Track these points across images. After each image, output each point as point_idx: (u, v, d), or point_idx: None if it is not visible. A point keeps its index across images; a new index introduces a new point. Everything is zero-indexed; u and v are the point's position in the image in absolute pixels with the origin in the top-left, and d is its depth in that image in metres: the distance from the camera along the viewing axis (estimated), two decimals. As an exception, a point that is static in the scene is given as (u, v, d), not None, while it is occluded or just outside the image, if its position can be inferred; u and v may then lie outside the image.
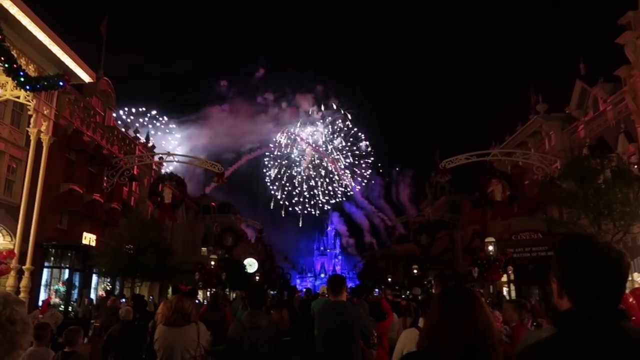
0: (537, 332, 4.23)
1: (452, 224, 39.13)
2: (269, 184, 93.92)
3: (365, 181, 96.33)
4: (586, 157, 17.39)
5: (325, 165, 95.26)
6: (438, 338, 1.75)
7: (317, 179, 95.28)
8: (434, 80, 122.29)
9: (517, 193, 20.64)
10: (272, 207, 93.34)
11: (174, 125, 57.50)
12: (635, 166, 17.65)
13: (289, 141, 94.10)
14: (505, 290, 25.66)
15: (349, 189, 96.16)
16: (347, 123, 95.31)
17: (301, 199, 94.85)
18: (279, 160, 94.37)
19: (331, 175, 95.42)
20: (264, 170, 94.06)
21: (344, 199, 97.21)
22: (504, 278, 24.06)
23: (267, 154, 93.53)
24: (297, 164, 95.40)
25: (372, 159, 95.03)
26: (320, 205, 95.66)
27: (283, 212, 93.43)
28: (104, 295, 19.31)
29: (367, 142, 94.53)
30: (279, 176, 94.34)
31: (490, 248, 19.06)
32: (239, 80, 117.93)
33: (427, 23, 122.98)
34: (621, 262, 1.40)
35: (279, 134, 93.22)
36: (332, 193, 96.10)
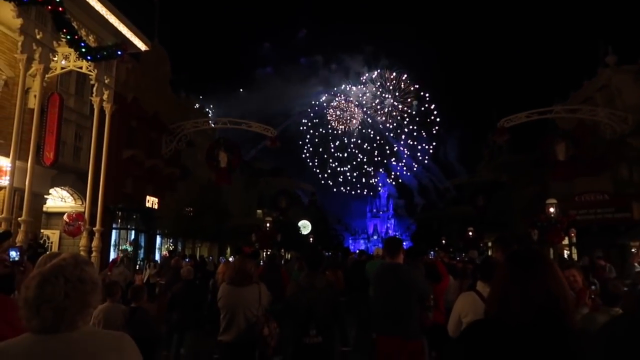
0: (593, 316, 3.98)
1: (510, 185, 37.86)
2: (314, 148, 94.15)
3: (415, 142, 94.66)
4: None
5: (373, 124, 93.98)
6: (508, 303, 1.67)
7: (365, 140, 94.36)
8: (490, 34, 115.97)
9: (581, 152, 19.57)
10: (325, 171, 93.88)
11: (227, 90, 58.37)
12: None
13: (339, 103, 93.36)
14: (566, 253, 24.78)
15: (396, 150, 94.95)
16: (398, 83, 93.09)
17: (350, 161, 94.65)
18: (328, 124, 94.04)
19: (378, 137, 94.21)
20: (311, 133, 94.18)
21: (393, 159, 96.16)
22: (566, 241, 23.19)
23: (313, 115, 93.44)
24: (347, 125, 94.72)
25: (422, 119, 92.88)
26: (368, 168, 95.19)
27: (330, 175, 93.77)
28: (168, 255, 20.32)
29: (417, 103, 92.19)
30: (329, 138, 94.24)
31: (552, 210, 18.33)
32: (282, 42, 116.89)
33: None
34: None
35: (325, 96, 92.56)
36: (379, 154, 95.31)
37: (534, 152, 27.82)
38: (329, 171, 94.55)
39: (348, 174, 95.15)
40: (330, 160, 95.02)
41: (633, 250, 17.67)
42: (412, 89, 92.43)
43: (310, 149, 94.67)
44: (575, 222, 19.46)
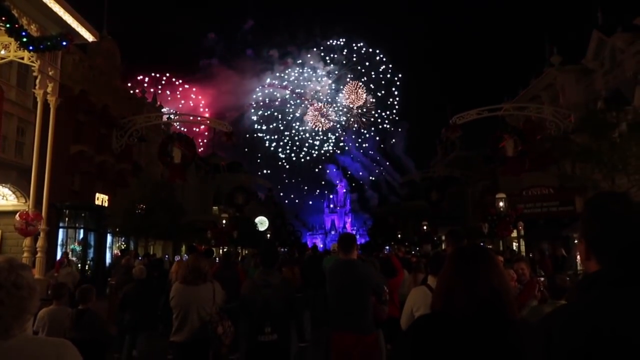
0: (539, 308, 4.17)
1: (462, 180, 39.01)
2: (270, 141, 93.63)
3: (365, 134, 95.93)
4: (601, 111, 16.99)
5: (324, 114, 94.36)
6: (452, 297, 1.72)
7: (316, 129, 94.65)
8: (443, 33, 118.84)
9: (528, 148, 20.35)
10: (280, 163, 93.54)
11: (177, 84, 57.09)
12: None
13: (292, 94, 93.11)
14: (515, 245, 25.78)
15: (343, 142, 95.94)
16: (350, 77, 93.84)
17: (299, 150, 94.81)
18: (278, 114, 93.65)
19: (325, 125, 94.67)
20: (266, 128, 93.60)
21: (338, 151, 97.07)
22: (514, 234, 24.12)
23: (267, 108, 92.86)
24: (297, 117, 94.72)
25: (377, 112, 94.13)
26: (316, 156, 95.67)
27: (286, 169, 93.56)
28: (119, 254, 19.71)
29: (370, 97, 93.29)
30: (281, 129, 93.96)
31: (501, 204, 19.00)
32: (228, 34, 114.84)
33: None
34: None
35: (270, 87, 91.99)
36: (327, 144, 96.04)
37: (485, 148, 28.81)
38: (286, 166, 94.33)
39: (304, 169, 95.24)
40: (286, 153, 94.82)
41: (576, 242, 18.61)
42: (362, 91, 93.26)
43: (266, 144, 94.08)
44: (523, 216, 20.26)
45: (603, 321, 1.22)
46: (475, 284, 1.70)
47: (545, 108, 22.39)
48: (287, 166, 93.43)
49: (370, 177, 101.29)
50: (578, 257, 12.62)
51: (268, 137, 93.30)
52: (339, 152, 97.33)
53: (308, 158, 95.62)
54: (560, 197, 21.34)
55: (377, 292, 4.92)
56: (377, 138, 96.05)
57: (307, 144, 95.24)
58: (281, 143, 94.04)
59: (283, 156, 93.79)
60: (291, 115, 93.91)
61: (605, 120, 15.50)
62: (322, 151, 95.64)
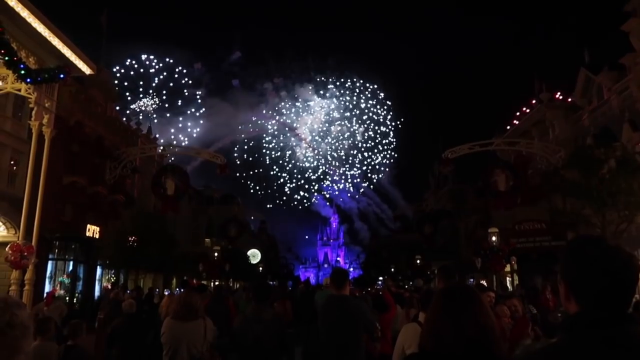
0: (533, 347, 4.17)
1: (455, 214, 39.11)
2: (264, 174, 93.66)
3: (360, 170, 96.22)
4: (590, 147, 17.28)
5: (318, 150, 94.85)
6: (440, 337, 1.75)
7: (314, 164, 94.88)
8: (436, 70, 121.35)
9: (519, 183, 20.57)
10: (274, 199, 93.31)
11: (170, 116, 57.55)
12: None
13: (284, 128, 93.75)
14: (508, 280, 25.68)
15: (335, 175, 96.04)
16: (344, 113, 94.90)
17: (293, 185, 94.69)
18: (274, 145, 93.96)
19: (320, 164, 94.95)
20: (261, 159, 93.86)
21: (327, 182, 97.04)
22: (507, 268, 24.06)
23: (263, 142, 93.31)
24: (291, 150, 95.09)
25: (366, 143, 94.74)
26: (306, 187, 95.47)
27: (279, 201, 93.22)
28: (109, 287, 19.42)
29: (363, 130, 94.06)
30: (279, 162, 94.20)
31: (494, 238, 19.06)
32: (216, 64, 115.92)
33: (430, 13, 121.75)
34: (632, 265, 1.37)
35: (272, 121, 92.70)
36: (320, 179, 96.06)
37: (477, 181, 29.04)
38: (280, 200, 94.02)
39: (295, 201, 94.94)
40: (280, 183, 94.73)
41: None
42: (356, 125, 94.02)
43: (261, 175, 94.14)
44: (515, 250, 20.26)
45: None
46: (462, 323, 1.73)
47: (536, 143, 22.76)
48: (279, 201, 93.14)
49: (358, 207, 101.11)
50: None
51: (265, 168, 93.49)
52: (327, 183, 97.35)
53: (301, 192, 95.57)
54: (552, 232, 21.41)
55: (369, 329, 4.89)
56: (363, 168, 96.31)
57: (297, 176, 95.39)
58: (271, 172, 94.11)
59: (275, 187, 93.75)
60: (281, 148, 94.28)
61: (594, 157, 15.75)
62: (312, 183, 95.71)
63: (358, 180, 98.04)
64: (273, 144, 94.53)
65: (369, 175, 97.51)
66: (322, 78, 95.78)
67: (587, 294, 1.37)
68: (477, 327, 1.72)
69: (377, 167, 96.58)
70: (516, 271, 25.03)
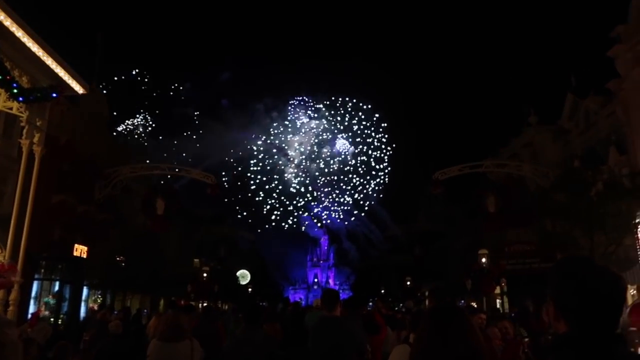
0: None
1: (446, 235, 39.19)
2: (252, 194, 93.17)
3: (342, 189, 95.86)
4: (579, 170, 17.51)
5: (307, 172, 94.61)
6: (430, 356, 1.76)
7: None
8: (427, 93, 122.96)
9: (509, 205, 20.70)
10: (263, 218, 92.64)
11: (161, 135, 57.52)
12: (627, 178, 17.79)
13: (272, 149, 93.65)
14: (498, 302, 25.65)
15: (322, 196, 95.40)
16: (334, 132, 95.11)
17: (281, 209, 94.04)
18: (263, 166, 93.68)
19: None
20: (250, 181, 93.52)
21: (315, 203, 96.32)
22: (497, 290, 24.04)
23: (252, 163, 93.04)
24: (280, 172, 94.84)
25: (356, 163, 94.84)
26: (294, 208, 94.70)
27: (269, 222, 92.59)
28: (95, 308, 19.10)
29: (352, 150, 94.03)
30: (267, 184, 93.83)
31: (484, 260, 19.09)
32: (205, 84, 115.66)
33: (422, 35, 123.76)
34: (618, 285, 1.40)
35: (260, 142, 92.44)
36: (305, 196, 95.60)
37: (468, 203, 29.22)
38: (268, 224, 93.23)
39: (284, 223, 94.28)
40: (268, 208, 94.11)
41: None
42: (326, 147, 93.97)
43: (249, 195, 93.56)
44: (505, 272, 20.28)
45: None
46: (451, 342, 1.75)
47: (525, 166, 23.01)
48: (267, 226, 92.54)
49: (346, 228, 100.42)
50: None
51: (253, 188, 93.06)
52: (315, 203, 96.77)
53: (290, 216, 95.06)
54: (541, 254, 21.51)
55: (360, 350, 4.86)
56: (355, 196, 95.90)
57: (286, 202, 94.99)
58: (259, 197, 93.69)
59: (265, 211, 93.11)
60: (269, 170, 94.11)
61: (582, 179, 15.96)
62: (300, 207, 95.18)
63: (349, 208, 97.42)
64: (261, 166, 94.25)
65: (360, 202, 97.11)
66: (313, 102, 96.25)
67: (576, 314, 1.40)
68: (466, 346, 1.74)
69: (370, 192, 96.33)
70: (506, 293, 25.04)
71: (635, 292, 16.41)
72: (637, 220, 14.89)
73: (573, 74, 26.17)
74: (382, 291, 46.37)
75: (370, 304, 26.26)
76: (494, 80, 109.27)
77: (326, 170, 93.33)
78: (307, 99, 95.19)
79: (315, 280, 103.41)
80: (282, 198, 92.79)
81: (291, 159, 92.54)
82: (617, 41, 19.79)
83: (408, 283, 34.73)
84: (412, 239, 39.16)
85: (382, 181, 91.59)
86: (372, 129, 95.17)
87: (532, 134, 27.33)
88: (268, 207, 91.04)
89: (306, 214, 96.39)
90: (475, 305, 19.72)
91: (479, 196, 21.39)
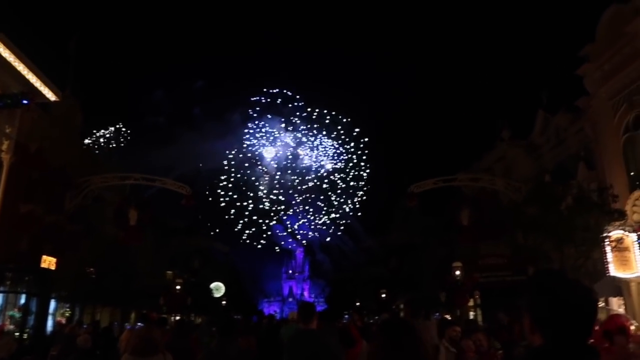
0: None
1: (421, 247, 39.46)
2: (227, 205, 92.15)
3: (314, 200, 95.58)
4: (549, 184, 17.94)
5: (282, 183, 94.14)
6: None
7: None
8: (401, 107, 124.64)
9: (482, 218, 21.06)
10: (236, 233, 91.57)
11: (134, 143, 56.58)
12: (595, 192, 18.30)
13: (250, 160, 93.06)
14: (472, 314, 25.92)
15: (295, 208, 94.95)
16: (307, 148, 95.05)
17: (254, 214, 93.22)
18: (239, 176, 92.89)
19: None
20: (222, 191, 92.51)
21: (289, 213, 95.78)
22: (471, 302, 24.30)
23: (224, 176, 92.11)
24: (254, 184, 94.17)
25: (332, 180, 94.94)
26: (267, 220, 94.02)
27: (243, 234, 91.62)
28: (63, 322, 18.53)
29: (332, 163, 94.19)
30: (241, 195, 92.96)
31: (457, 272, 19.30)
32: (179, 92, 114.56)
33: (396, 50, 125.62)
34: (591, 299, 1.44)
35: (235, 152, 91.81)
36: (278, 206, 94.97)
37: (443, 215, 29.57)
38: (241, 237, 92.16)
39: (255, 243, 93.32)
40: (240, 225, 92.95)
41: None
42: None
43: (223, 206, 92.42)
44: (479, 285, 20.54)
45: None
46: (402, 355, 1.83)
47: (498, 180, 23.47)
48: (241, 239, 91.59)
49: (319, 240, 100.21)
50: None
51: (227, 199, 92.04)
52: (288, 214, 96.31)
53: (264, 227, 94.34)
54: (513, 267, 21.88)
55: (336, 363, 4.84)
56: (331, 215, 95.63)
57: (259, 207, 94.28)
58: (237, 204, 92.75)
59: (239, 226, 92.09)
60: (243, 182, 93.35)
61: (552, 194, 16.36)
62: (272, 214, 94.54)
63: (325, 228, 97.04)
64: (233, 181, 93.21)
65: (337, 221, 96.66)
66: (292, 118, 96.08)
67: (549, 327, 1.43)
68: (415, 358, 1.82)
69: (347, 211, 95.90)
70: (480, 305, 25.33)
71: (603, 304, 16.82)
72: (604, 234, 15.30)
73: (544, 91, 26.92)
74: (357, 303, 46.32)
75: (346, 316, 26.22)
76: (467, 96, 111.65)
77: (299, 187, 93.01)
78: (284, 112, 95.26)
79: (291, 292, 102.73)
80: (254, 217, 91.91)
81: (263, 169, 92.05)
82: (586, 60, 20.43)
83: (383, 295, 34.76)
84: (387, 250, 39.31)
85: (359, 199, 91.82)
86: (352, 143, 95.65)
87: (504, 149, 27.94)
88: (240, 225, 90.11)
89: (280, 226, 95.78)
90: (450, 318, 19.88)
91: (453, 209, 21.70)
